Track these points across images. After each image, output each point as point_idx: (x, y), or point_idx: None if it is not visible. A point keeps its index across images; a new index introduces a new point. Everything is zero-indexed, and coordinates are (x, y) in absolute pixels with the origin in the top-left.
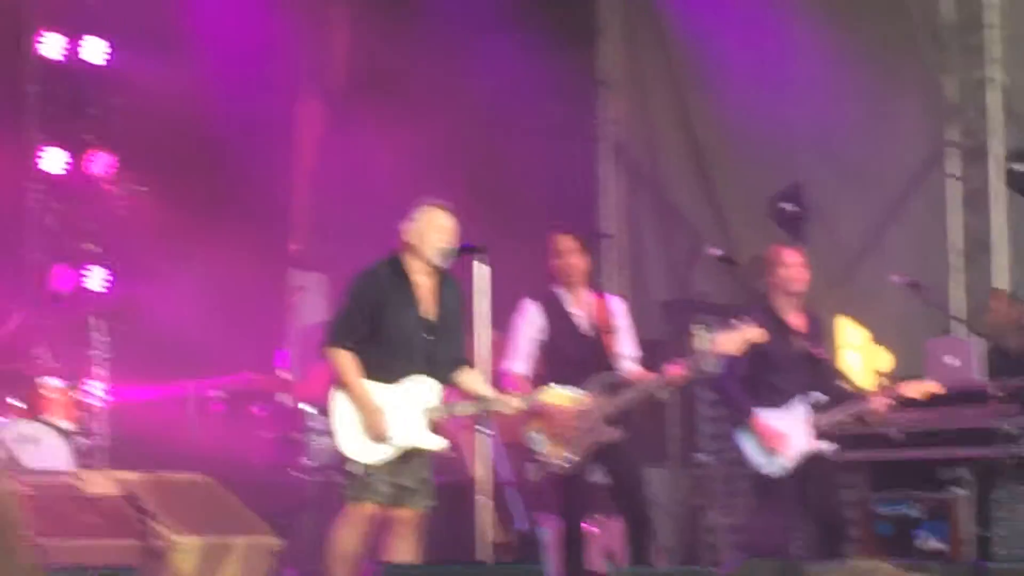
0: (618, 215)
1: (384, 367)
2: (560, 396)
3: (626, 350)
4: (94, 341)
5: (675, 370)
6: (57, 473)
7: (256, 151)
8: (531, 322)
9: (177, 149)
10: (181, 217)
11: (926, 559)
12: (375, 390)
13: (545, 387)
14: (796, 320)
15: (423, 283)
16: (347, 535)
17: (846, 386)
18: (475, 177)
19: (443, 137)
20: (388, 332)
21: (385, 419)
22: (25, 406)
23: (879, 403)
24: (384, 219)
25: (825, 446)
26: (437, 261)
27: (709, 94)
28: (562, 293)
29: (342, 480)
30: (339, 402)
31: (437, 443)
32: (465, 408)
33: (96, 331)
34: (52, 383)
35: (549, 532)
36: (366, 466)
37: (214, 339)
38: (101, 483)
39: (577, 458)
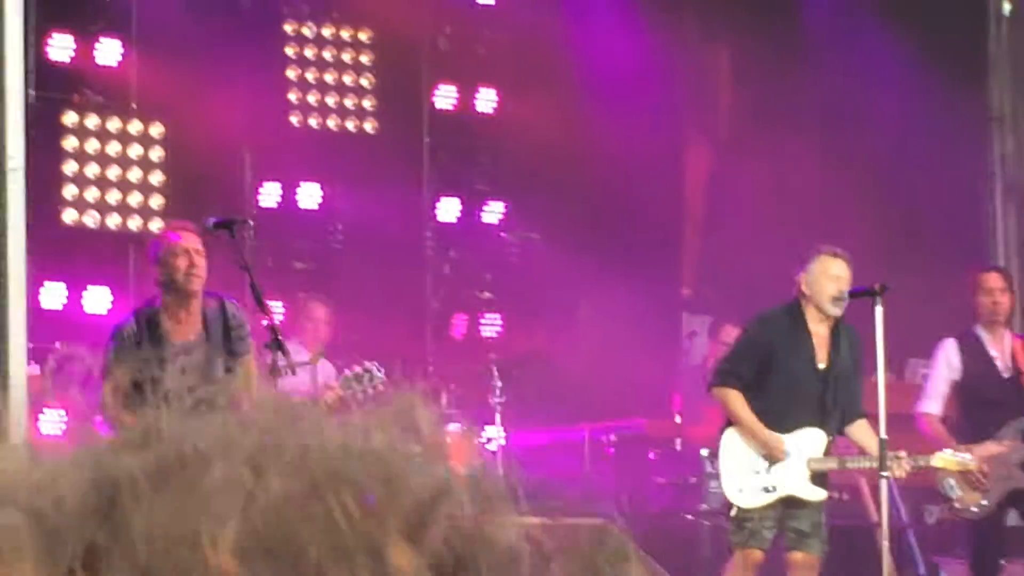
0: (1008, 253)
1: (775, 415)
2: (950, 461)
3: None
4: (492, 387)
5: None
6: None
7: (644, 194)
8: (948, 362)
9: (565, 194)
10: (572, 263)
11: None
12: None
13: (937, 452)
14: None
15: (818, 332)
16: None
17: None
18: (866, 215)
19: (832, 176)
20: (780, 380)
21: (781, 440)
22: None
23: None
24: (776, 260)
25: None
26: (831, 311)
27: None
28: (982, 333)
29: (728, 526)
30: (726, 445)
31: (817, 494)
32: (854, 463)
33: (493, 377)
34: (452, 428)
35: None
36: (739, 509)
37: (607, 383)
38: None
39: (991, 504)
